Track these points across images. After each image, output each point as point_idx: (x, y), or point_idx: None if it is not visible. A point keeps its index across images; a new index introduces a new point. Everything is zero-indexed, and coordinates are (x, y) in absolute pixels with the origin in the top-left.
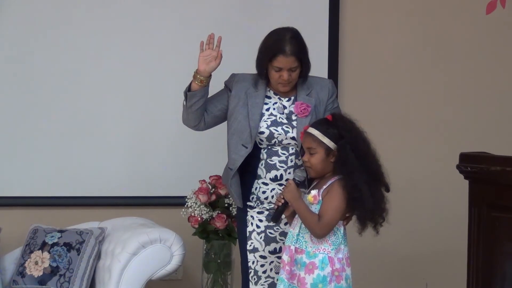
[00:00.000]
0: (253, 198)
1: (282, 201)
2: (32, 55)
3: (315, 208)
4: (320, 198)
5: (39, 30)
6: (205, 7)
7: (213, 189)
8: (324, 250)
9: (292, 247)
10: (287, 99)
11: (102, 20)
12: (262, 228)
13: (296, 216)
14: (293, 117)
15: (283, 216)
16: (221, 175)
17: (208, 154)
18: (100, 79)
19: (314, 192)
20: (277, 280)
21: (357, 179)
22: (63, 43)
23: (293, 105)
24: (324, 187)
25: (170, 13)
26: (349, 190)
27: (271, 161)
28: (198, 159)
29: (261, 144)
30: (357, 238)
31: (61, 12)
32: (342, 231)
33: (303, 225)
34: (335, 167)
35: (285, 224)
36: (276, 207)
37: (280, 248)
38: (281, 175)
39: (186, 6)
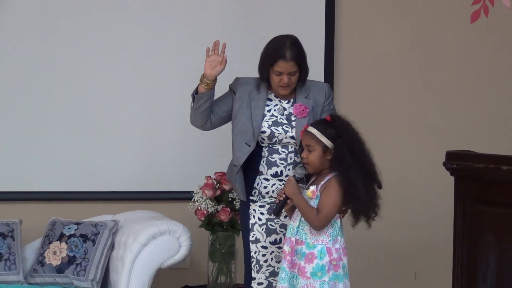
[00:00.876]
0: (255, 192)
1: (283, 196)
2: (51, 55)
3: (313, 203)
4: (318, 193)
5: (55, 28)
6: (210, 17)
7: (218, 185)
8: (323, 241)
9: (293, 239)
10: (286, 101)
11: (116, 21)
12: (264, 221)
13: (296, 210)
14: (292, 118)
15: (283, 210)
16: (225, 171)
17: (213, 152)
18: (113, 80)
19: (312, 187)
20: (277, 268)
21: (352, 176)
22: (78, 43)
23: (292, 107)
24: (322, 183)
25: (179, 19)
26: (345, 186)
27: (272, 158)
28: (204, 157)
29: (262, 143)
30: (352, 230)
31: (74, 14)
32: (339, 224)
33: (302, 218)
34: (332, 165)
35: (285, 217)
36: (277, 201)
37: (280, 239)
38: (281, 171)
39: (193, 15)
